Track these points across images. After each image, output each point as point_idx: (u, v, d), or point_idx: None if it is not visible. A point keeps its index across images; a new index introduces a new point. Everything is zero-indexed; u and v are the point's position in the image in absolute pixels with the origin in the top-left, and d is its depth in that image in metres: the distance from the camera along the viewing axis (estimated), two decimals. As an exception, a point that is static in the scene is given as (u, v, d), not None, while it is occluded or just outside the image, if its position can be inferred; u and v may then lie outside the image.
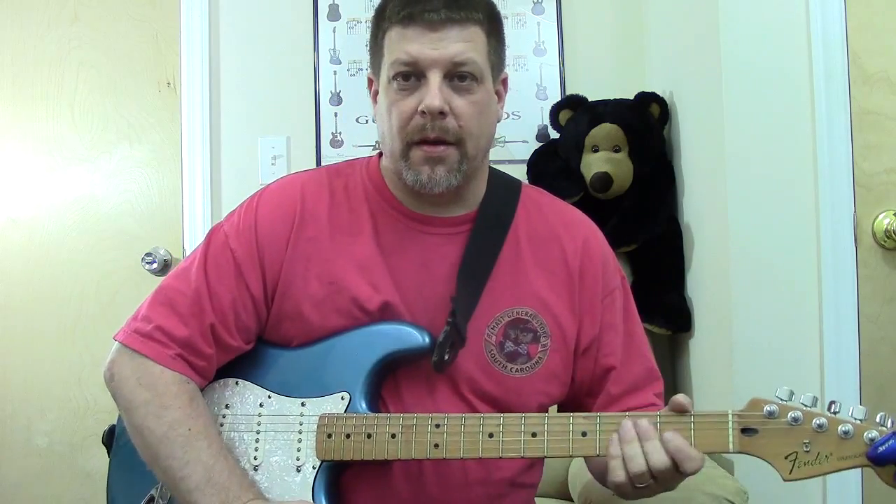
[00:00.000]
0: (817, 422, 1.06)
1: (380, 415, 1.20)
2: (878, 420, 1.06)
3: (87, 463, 2.55)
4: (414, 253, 1.27)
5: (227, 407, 1.26)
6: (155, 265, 2.54)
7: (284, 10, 2.62)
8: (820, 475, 1.06)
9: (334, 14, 2.60)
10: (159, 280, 1.32)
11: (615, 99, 2.35)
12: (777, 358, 1.83)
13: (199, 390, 1.24)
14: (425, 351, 1.22)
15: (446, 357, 1.20)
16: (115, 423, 1.34)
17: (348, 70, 2.59)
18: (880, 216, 1.88)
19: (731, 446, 1.08)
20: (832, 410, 1.07)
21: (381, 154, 1.33)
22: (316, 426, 1.21)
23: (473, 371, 1.25)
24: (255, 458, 1.22)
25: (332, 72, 2.59)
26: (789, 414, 1.07)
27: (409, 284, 1.26)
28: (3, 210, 2.65)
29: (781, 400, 1.08)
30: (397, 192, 1.30)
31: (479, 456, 1.15)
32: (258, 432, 1.23)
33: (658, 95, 2.31)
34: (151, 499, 1.24)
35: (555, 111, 2.39)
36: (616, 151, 2.28)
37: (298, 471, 1.20)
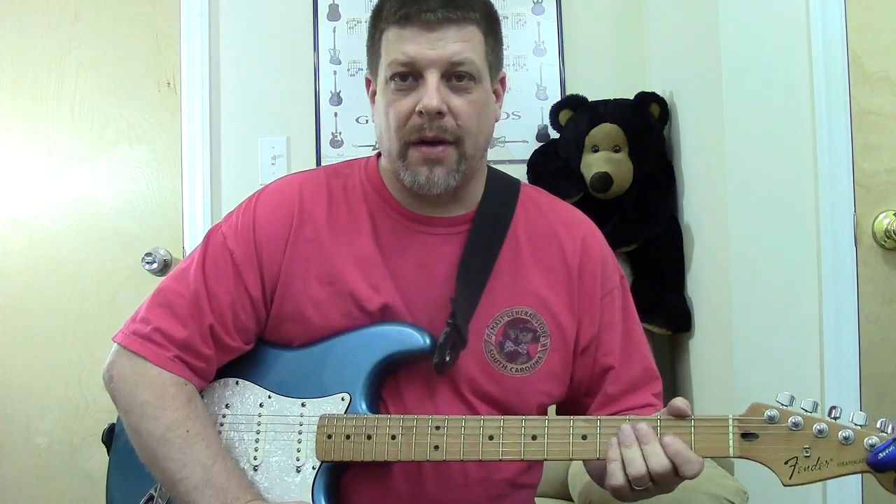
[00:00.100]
0: (818, 427, 1.06)
1: (380, 416, 1.20)
2: (878, 426, 1.06)
3: (87, 463, 2.55)
4: (413, 253, 1.27)
5: (227, 407, 1.26)
6: (155, 265, 2.54)
7: (284, 10, 2.62)
8: (820, 481, 1.06)
9: (334, 14, 2.60)
10: (159, 280, 1.32)
11: (615, 99, 2.34)
12: (777, 358, 1.83)
13: (198, 392, 1.24)
14: (426, 352, 1.22)
15: (447, 358, 1.20)
16: (114, 422, 1.34)
17: (348, 70, 2.58)
18: (880, 216, 1.88)
19: (731, 451, 1.08)
20: (832, 416, 1.06)
21: (379, 154, 1.33)
22: (316, 427, 1.21)
23: (473, 371, 1.25)
24: (255, 459, 1.22)
25: (332, 72, 2.59)
26: (790, 419, 1.07)
27: (409, 285, 1.26)
28: (3, 210, 2.65)
29: (782, 405, 1.08)
30: (396, 193, 1.30)
31: (479, 458, 1.15)
32: (258, 432, 1.23)
33: (658, 95, 2.31)
34: (151, 498, 1.24)
35: (555, 111, 2.39)
36: (616, 151, 2.28)
37: (298, 471, 1.20)
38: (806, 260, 1.84)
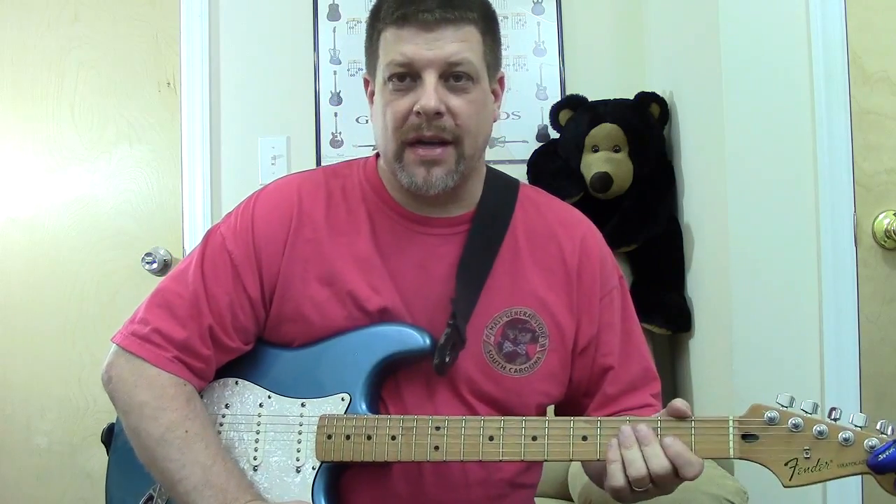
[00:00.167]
0: (818, 428, 1.05)
1: (380, 416, 1.20)
2: (878, 427, 1.05)
3: (87, 463, 2.55)
4: (412, 254, 1.27)
5: (226, 407, 1.26)
6: (155, 265, 2.54)
7: (284, 10, 2.62)
8: (820, 482, 1.06)
9: (334, 14, 2.60)
10: (159, 280, 1.32)
11: (615, 99, 2.34)
12: (777, 358, 1.83)
13: (197, 392, 1.24)
14: (426, 352, 1.22)
15: (447, 359, 1.20)
16: (114, 422, 1.34)
17: (348, 70, 2.58)
18: (880, 216, 1.88)
19: (731, 452, 1.08)
20: (833, 417, 1.06)
21: (378, 155, 1.33)
22: (316, 427, 1.21)
23: (472, 372, 1.25)
24: (255, 459, 1.22)
25: (332, 72, 2.59)
26: (790, 420, 1.06)
27: (408, 286, 1.26)
28: (3, 210, 2.65)
29: (782, 406, 1.08)
30: (394, 193, 1.30)
31: (479, 459, 1.15)
32: (258, 432, 1.23)
33: (658, 95, 2.31)
34: (150, 498, 1.24)
35: (555, 111, 2.39)
36: (616, 151, 2.28)
37: (298, 471, 1.20)
38: (806, 260, 1.83)
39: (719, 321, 1.98)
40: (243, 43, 2.62)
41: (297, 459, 1.21)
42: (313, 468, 1.20)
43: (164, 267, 2.54)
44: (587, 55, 2.58)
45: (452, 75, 1.20)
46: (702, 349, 2.15)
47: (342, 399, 1.22)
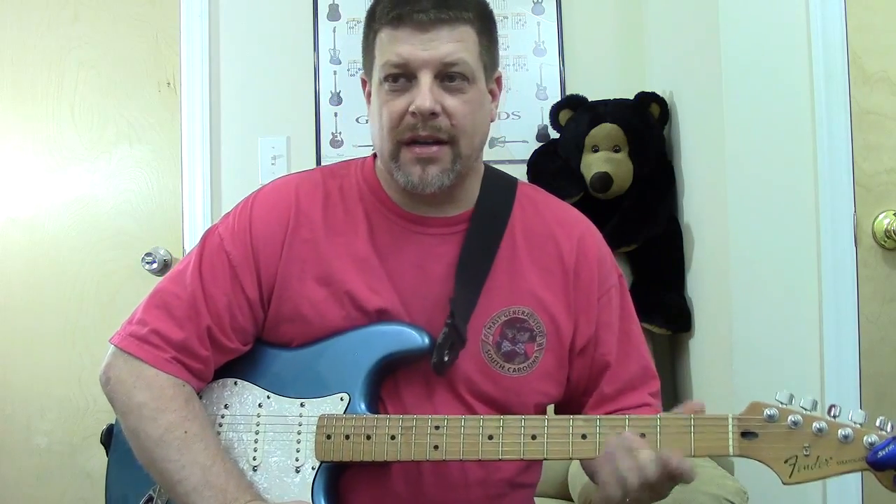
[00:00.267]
0: (817, 426, 1.05)
1: (379, 416, 1.20)
2: (877, 424, 1.05)
3: (87, 463, 2.55)
4: (410, 254, 1.27)
5: (225, 407, 1.26)
6: (155, 265, 2.54)
7: (284, 10, 2.62)
8: (819, 479, 1.05)
9: (334, 14, 2.60)
10: (160, 280, 1.31)
11: (615, 99, 2.34)
12: (777, 358, 1.83)
13: (196, 393, 1.24)
14: (425, 352, 1.22)
15: (446, 359, 1.20)
16: (113, 422, 1.33)
17: (348, 70, 2.58)
18: (880, 216, 1.88)
19: (731, 450, 1.08)
20: (832, 414, 1.06)
21: (375, 155, 1.33)
22: (315, 427, 1.21)
23: (471, 371, 1.25)
24: (254, 459, 1.22)
25: (332, 72, 2.59)
26: (789, 417, 1.06)
27: (406, 286, 1.26)
28: (3, 210, 2.64)
29: (781, 403, 1.07)
30: (392, 193, 1.30)
31: (479, 458, 1.15)
32: (257, 433, 1.23)
33: (658, 95, 2.31)
34: (150, 499, 1.24)
35: (555, 111, 2.39)
36: (616, 151, 2.28)
37: (297, 471, 1.20)
38: (806, 260, 1.83)
39: (719, 321, 1.98)
40: (243, 43, 2.62)
41: (297, 459, 1.21)
42: (313, 468, 1.20)
43: (164, 267, 2.54)
44: (587, 55, 2.58)
45: (448, 75, 1.20)
46: (702, 349, 2.15)
47: (341, 399, 1.22)
